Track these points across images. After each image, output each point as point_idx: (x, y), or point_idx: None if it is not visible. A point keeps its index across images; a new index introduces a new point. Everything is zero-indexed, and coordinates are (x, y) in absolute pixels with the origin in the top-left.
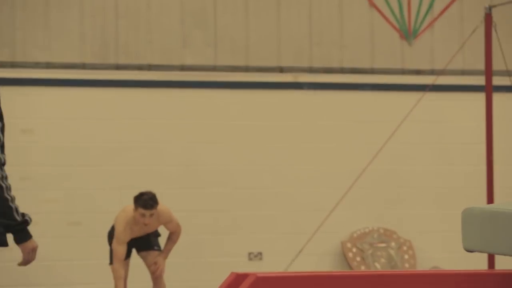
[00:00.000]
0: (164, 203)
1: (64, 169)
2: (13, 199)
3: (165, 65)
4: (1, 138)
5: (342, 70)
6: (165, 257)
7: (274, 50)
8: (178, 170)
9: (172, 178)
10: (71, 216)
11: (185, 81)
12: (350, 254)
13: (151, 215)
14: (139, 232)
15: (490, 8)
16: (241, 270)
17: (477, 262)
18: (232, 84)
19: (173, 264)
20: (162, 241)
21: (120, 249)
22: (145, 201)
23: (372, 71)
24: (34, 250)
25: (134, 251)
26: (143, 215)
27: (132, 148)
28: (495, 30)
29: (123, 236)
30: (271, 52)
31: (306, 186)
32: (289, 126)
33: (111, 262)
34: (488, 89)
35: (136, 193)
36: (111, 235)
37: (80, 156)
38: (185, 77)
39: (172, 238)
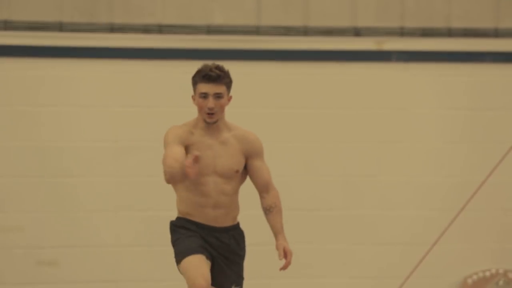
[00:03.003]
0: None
1: (29, 181)
2: None
3: (183, 25)
4: None
5: (450, 33)
6: (286, 239)
7: (346, 3)
8: None
9: None
10: (42, 252)
11: (212, 49)
12: None
13: (218, 96)
14: (203, 146)
15: None
16: None
17: None
18: (282, 54)
19: None
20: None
21: (172, 149)
22: (208, 69)
23: (496, 34)
24: None
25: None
26: (204, 96)
27: (132, 149)
28: None
29: (172, 137)
30: (342, 7)
31: (395, 207)
32: (368, 115)
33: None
34: None
35: (138, 215)
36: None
37: (52, 163)
38: (212, 43)
39: (277, 207)
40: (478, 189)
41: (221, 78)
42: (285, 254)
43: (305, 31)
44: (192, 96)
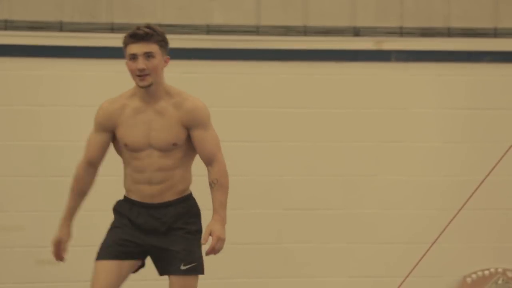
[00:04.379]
0: None
1: (29, 181)
2: None
3: (183, 25)
4: None
5: (449, 32)
6: (222, 220)
7: (345, 3)
8: (203, 182)
9: (194, 194)
10: (42, 251)
11: (212, 49)
12: None
13: (149, 55)
14: (136, 121)
15: None
16: None
17: None
18: (281, 54)
19: None
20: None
21: (92, 137)
22: (135, 28)
23: (495, 34)
24: None
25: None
26: (133, 57)
27: None
28: None
29: (95, 125)
30: (341, 7)
31: (395, 207)
32: (368, 115)
33: None
34: None
35: None
36: None
37: (52, 162)
38: (212, 43)
39: (218, 182)
40: (478, 188)
41: (150, 36)
42: (212, 236)
43: (305, 31)
44: (126, 63)
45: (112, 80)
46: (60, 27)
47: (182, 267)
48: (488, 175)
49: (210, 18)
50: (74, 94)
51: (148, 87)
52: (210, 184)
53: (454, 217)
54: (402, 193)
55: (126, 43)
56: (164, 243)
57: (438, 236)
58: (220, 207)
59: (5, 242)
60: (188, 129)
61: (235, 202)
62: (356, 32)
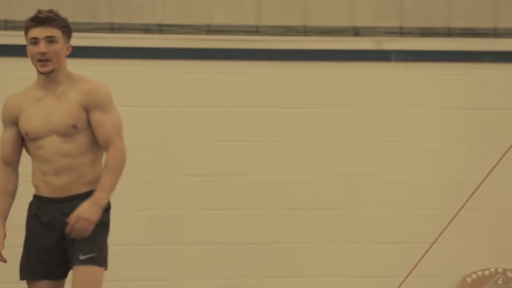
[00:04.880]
0: (182, 230)
1: (28, 181)
2: None
3: (184, 25)
4: None
5: (449, 32)
6: (95, 201)
7: (345, 3)
8: (203, 182)
9: (194, 194)
10: None
11: (212, 49)
12: None
13: (51, 40)
14: (36, 108)
15: None
16: None
17: None
18: (281, 54)
19: None
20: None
21: (2, 136)
22: (37, 12)
23: (495, 34)
24: None
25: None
26: (35, 42)
27: (132, 149)
28: None
29: (2, 122)
30: (341, 7)
31: (395, 206)
32: (368, 114)
33: None
34: None
35: (138, 215)
36: None
37: None
38: (212, 43)
39: (109, 165)
40: (478, 188)
41: (52, 20)
42: (71, 217)
43: (305, 31)
44: (27, 49)
45: (112, 80)
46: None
47: (81, 257)
48: (488, 175)
49: (210, 18)
50: None
51: (50, 73)
52: (103, 167)
53: (454, 217)
54: (402, 193)
55: (27, 27)
56: (70, 239)
57: (438, 236)
58: (100, 189)
59: (5, 242)
60: (87, 111)
61: (235, 202)
62: (356, 32)
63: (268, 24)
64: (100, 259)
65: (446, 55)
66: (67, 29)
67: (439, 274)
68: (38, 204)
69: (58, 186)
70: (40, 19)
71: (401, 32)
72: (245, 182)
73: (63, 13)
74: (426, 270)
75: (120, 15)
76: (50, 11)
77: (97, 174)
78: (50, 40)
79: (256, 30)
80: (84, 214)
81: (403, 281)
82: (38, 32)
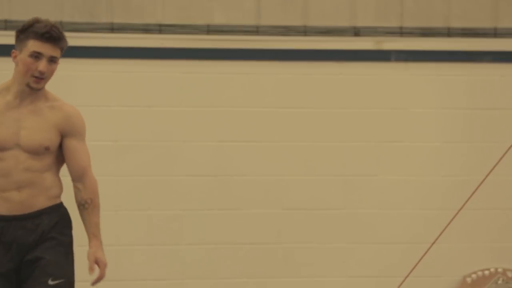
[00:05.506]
0: (182, 230)
1: None
2: None
3: (184, 25)
4: None
5: (449, 32)
6: (101, 245)
7: (345, 3)
8: (203, 182)
9: (194, 194)
10: None
11: (212, 49)
12: None
13: (53, 60)
14: (5, 113)
15: None
16: None
17: None
18: (281, 54)
19: None
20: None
21: None
22: (48, 26)
23: (495, 34)
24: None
25: None
26: (37, 57)
27: (132, 149)
28: None
29: None
30: (341, 7)
31: (395, 207)
32: (368, 114)
33: None
34: None
35: (138, 215)
36: None
37: None
38: (212, 43)
39: (92, 203)
40: (477, 188)
41: (60, 40)
42: (98, 265)
43: (305, 31)
44: (14, 53)
45: (112, 80)
46: (60, 27)
47: (50, 282)
48: (488, 175)
49: (210, 18)
50: (74, 94)
51: (38, 90)
52: (83, 204)
53: (454, 217)
54: (402, 193)
55: (31, 38)
56: (34, 253)
57: (438, 236)
58: (97, 231)
59: None
60: (62, 135)
61: (235, 202)
62: (356, 32)
63: (268, 24)
64: (69, 286)
65: (446, 55)
66: (64, 49)
67: (439, 274)
68: None
69: (19, 201)
70: (52, 37)
71: (401, 32)
72: (245, 182)
73: (63, 13)
74: (426, 270)
75: (120, 15)
76: (57, 28)
77: (59, 190)
78: (52, 60)
79: (256, 30)
80: (106, 261)
81: (403, 281)
82: (45, 48)
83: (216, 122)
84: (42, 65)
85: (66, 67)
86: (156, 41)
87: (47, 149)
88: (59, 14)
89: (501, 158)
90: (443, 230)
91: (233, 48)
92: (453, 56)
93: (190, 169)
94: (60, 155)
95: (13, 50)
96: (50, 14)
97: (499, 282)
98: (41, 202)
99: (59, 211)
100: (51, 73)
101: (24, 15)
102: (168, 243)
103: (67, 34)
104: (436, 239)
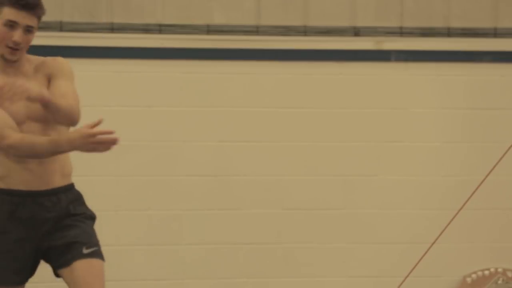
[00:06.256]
0: (182, 230)
1: None
2: None
3: (183, 25)
4: None
5: (449, 32)
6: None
7: (345, 3)
8: (203, 182)
9: (194, 194)
10: None
11: (212, 49)
12: None
13: (29, 30)
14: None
15: None
16: None
17: None
18: (281, 54)
19: None
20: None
21: None
22: None
23: (495, 34)
24: None
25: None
26: (11, 25)
27: (132, 149)
28: None
29: None
30: (341, 7)
31: (395, 207)
32: (368, 114)
33: None
34: None
35: (138, 214)
36: None
37: None
38: (212, 43)
39: (62, 103)
40: (478, 188)
41: (37, 7)
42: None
43: (305, 31)
44: None
45: (112, 80)
46: (59, 27)
47: (85, 251)
48: (488, 175)
49: (210, 18)
50: None
51: (14, 62)
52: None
53: (454, 217)
54: (402, 193)
55: (6, 4)
56: (58, 234)
57: (438, 236)
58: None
59: None
60: (50, 80)
61: (235, 202)
62: (356, 32)
63: (268, 24)
64: (101, 254)
65: (446, 55)
66: (41, 17)
67: (439, 274)
68: (10, 199)
69: (39, 175)
70: (28, 4)
71: (401, 32)
72: (245, 182)
73: (63, 13)
74: (426, 270)
75: (120, 15)
76: None
77: (71, 166)
78: (28, 29)
79: (256, 30)
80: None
81: (403, 281)
82: (19, 17)
83: (216, 122)
84: (17, 35)
85: None
86: (156, 41)
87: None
88: (59, 14)
89: (501, 158)
90: (443, 230)
91: (233, 48)
92: (453, 56)
93: (190, 169)
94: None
95: None
96: (50, 14)
97: (499, 282)
98: (58, 180)
99: (74, 190)
100: (27, 43)
101: None
102: (168, 243)
103: (67, 34)
104: (436, 239)
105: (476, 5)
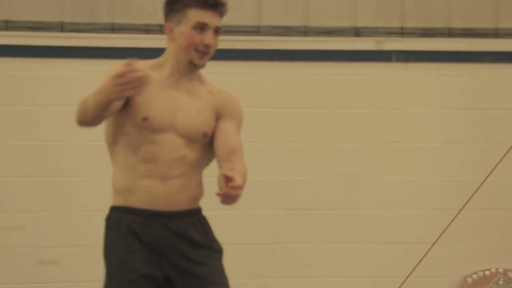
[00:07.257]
0: None
1: (30, 180)
2: None
3: None
4: None
5: (449, 32)
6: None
7: (346, 4)
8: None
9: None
10: (43, 251)
11: None
12: None
13: (217, 31)
14: (160, 92)
15: None
16: None
17: None
18: (282, 54)
19: None
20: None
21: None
22: None
23: (495, 34)
24: None
25: None
26: (202, 28)
27: None
28: None
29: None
30: (342, 7)
31: (395, 207)
32: (368, 115)
33: None
34: None
35: None
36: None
37: (52, 162)
38: None
39: (242, 169)
40: (478, 189)
41: (224, 8)
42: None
43: (305, 31)
44: (169, 26)
45: None
46: (60, 27)
47: None
48: (488, 175)
49: None
50: (74, 94)
51: (201, 67)
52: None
53: (455, 218)
54: (402, 193)
55: (192, 6)
56: (188, 259)
57: (439, 237)
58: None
59: (5, 242)
60: (218, 118)
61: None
62: (357, 32)
63: (268, 25)
64: None
65: (447, 55)
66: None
67: (440, 275)
68: (133, 218)
69: (163, 194)
70: (217, 4)
71: (402, 32)
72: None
73: (64, 14)
74: (427, 270)
75: (121, 16)
76: None
77: (201, 192)
78: (217, 31)
79: (256, 31)
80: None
81: (404, 281)
82: (209, 17)
83: None
84: (209, 37)
85: (66, 68)
86: (157, 42)
87: (204, 135)
88: (60, 14)
89: (502, 159)
90: (444, 231)
91: (233, 48)
92: (454, 57)
93: None
94: (210, 152)
95: (167, 24)
96: (51, 14)
97: (500, 282)
98: (184, 202)
99: (201, 215)
100: (215, 47)
101: (24, 16)
102: None
103: (68, 35)
104: (437, 239)
105: (477, 5)
